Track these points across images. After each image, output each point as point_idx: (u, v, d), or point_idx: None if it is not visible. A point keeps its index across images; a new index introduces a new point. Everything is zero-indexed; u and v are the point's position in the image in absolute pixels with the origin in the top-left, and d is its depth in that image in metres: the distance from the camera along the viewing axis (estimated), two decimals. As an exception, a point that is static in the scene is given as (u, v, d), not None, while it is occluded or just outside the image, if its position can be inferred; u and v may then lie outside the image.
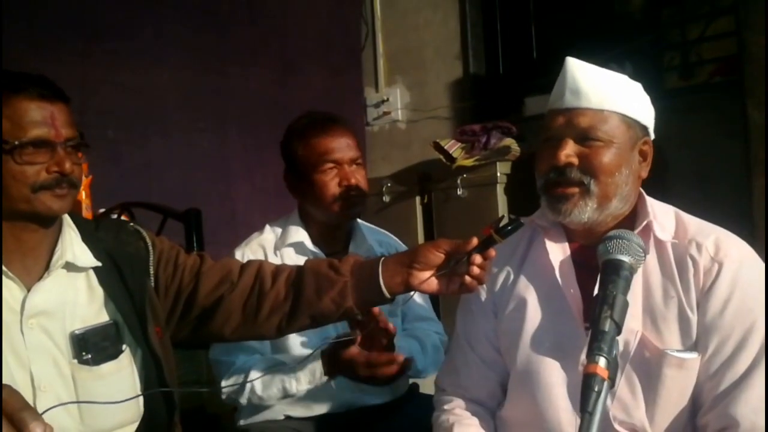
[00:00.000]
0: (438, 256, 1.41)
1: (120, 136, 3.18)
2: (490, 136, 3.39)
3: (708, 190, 3.03)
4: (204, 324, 1.52)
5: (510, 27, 3.94)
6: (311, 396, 1.90)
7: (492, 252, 1.40)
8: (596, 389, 1.05)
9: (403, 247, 2.22)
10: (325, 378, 1.86)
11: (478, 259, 1.39)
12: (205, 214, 2.75)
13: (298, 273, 1.51)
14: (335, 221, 2.03)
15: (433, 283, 1.43)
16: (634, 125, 1.45)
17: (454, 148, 3.48)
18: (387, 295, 1.44)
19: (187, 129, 3.43)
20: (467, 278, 1.40)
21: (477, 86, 3.94)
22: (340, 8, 4.13)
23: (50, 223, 1.38)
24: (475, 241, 1.39)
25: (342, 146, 1.98)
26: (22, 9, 2.85)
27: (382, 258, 1.46)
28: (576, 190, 1.43)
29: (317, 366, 1.85)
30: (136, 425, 1.42)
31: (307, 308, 1.48)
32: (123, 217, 2.71)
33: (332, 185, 1.96)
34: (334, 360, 1.83)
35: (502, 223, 1.39)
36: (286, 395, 1.88)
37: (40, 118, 1.32)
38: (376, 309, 1.73)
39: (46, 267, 1.38)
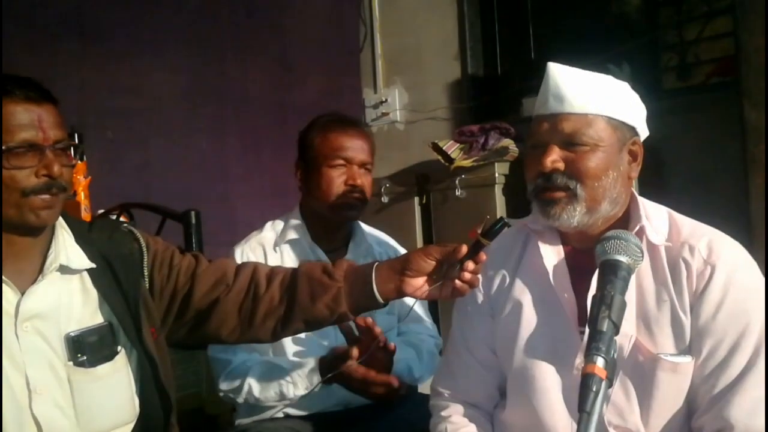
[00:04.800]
0: (429, 263, 1.42)
1: (119, 137, 3.18)
2: (489, 136, 3.40)
3: (705, 190, 3.04)
4: (200, 326, 1.52)
5: (508, 28, 3.95)
6: (309, 394, 1.91)
7: (483, 256, 1.40)
8: (594, 389, 1.05)
9: (401, 250, 2.23)
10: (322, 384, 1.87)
11: (470, 265, 1.39)
12: (204, 214, 2.75)
13: (292, 277, 1.51)
14: (333, 218, 2.04)
15: (425, 290, 1.44)
16: (620, 127, 1.44)
17: (452, 148, 3.48)
18: (381, 300, 1.45)
19: (186, 130, 3.43)
20: (458, 283, 1.40)
21: (475, 87, 3.94)
22: (339, 9, 4.14)
23: (38, 232, 1.37)
24: (464, 248, 1.39)
25: (356, 147, 2.03)
26: (20, 9, 2.85)
27: (376, 264, 1.47)
28: (563, 194, 1.42)
29: (315, 374, 1.86)
30: (131, 426, 1.42)
31: (301, 313, 1.48)
32: (122, 218, 2.71)
33: (338, 182, 2.00)
34: (330, 369, 1.84)
35: (487, 226, 1.39)
36: (283, 398, 1.89)
37: (27, 121, 1.30)
38: (378, 329, 1.76)
39: (40, 270, 1.37)
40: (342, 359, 1.81)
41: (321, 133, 2.05)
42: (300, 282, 1.48)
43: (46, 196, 1.32)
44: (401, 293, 1.44)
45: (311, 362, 1.89)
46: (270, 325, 1.50)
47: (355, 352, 1.78)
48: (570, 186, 1.42)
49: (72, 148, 1.42)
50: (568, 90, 1.42)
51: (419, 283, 1.43)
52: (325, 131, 2.05)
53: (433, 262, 1.42)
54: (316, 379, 1.86)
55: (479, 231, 1.39)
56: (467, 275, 1.39)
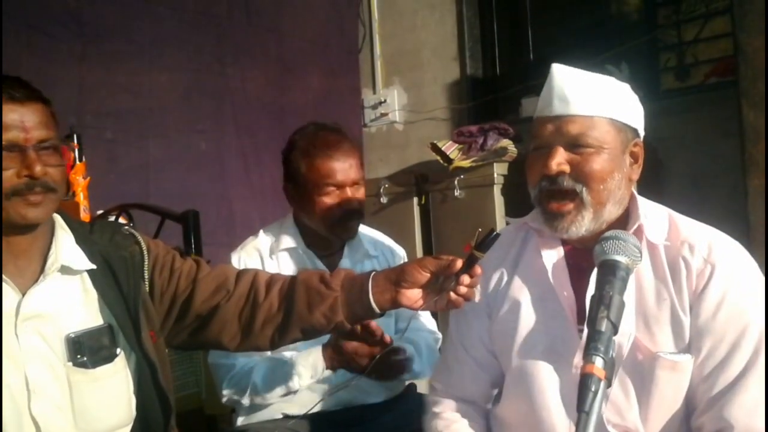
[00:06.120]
0: (424, 275, 1.42)
1: (118, 138, 3.18)
2: (487, 137, 3.41)
3: (703, 190, 3.05)
4: (201, 330, 1.52)
5: (506, 28, 3.96)
6: (309, 394, 1.91)
7: (478, 269, 1.40)
8: (593, 389, 1.05)
9: (397, 248, 2.23)
10: (327, 372, 1.87)
11: (466, 279, 1.39)
12: (203, 215, 2.75)
13: (290, 285, 1.51)
14: (332, 238, 2.04)
15: (421, 302, 1.44)
16: (624, 129, 1.44)
17: (451, 149, 3.49)
18: (377, 311, 1.45)
19: (185, 130, 3.43)
20: (453, 296, 1.41)
21: (474, 87, 3.95)
22: (338, 10, 4.14)
23: (29, 230, 1.36)
24: (459, 262, 1.39)
25: (345, 168, 1.98)
26: (20, 10, 2.85)
27: (372, 273, 1.47)
28: (570, 205, 1.42)
29: (318, 361, 1.87)
30: (128, 428, 1.42)
31: (299, 321, 1.48)
32: (121, 219, 2.71)
33: (332, 206, 1.97)
34: (335, 352, 1.85)
35: (479, 238, 1.38)
36: (289, 392, 1.89)
37: (9, 121, 1.28)
38: (374, 324, 1.77)
39: (41, 270, 1.37)
40: (345, 338, 1.82)
41: (306, 158, 1.99)
42: (298, 290, 1.49)
43: (29, 197, 1.30)
44: (397, 304, 1.44)
45: (314, 351, 1.89)
46: (268, 332, 1.50)
47: (358, 328, 1.79)
48: (577, 189, 1.41)
49: (65, 148, 1.41)
50: (572, 92, 1.41)
51: (415, 294, 1.44)
52: (309, 157, 1.98)
53: (428, 275, 1.42)
54: (320, 365, 1.87)
55: (473, 245, 1.39)
56: (462, 289, 1.40)
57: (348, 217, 1.98)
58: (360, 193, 2.02)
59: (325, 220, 1.98)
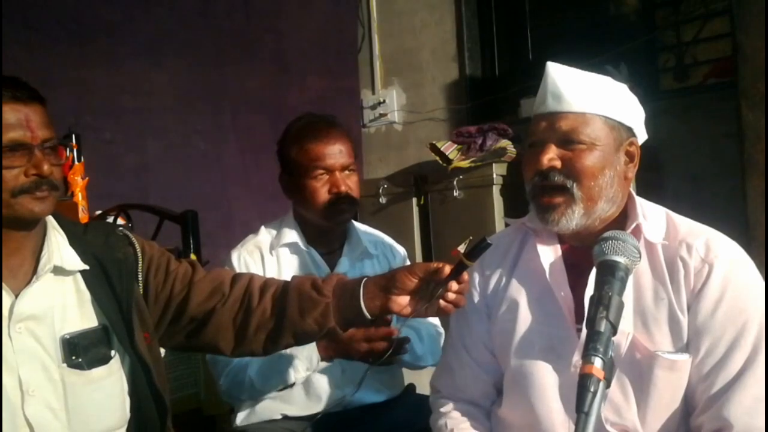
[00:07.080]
0: (413, 282, 1.42)
1: (117, 138, 3.19)
2: (486, 137, 3.41)
3: (702, 191, 3.05)
4: (197, 334, 1.52)
5: (506, 29, 3.96)
6: (308, 395, 1.91)
7: (466, 276, 1.41)
8: (592, 389, 1.05)
9: (397, 247, 2.23)
10: (323, 363, 1.86)
11: (454, 286, 1.40)
12: (202, 215, 2.76)
13: (282, 291, 1.51)
14: (325, 226, 2.04)
15: (409, 308, 1.45)
16: (617, 127, 1.45)
17: (450, 149, 3.49)
18: (368, 317, 1.45)
19: (184, 131, 3.44)
20: (443, 303, 1.41)
21: (473, 88, 3.94)
22: (337, 10, 4.14)
23: (32, 225, 1.37)
24: (447, 269, 1.40)
25: (334, 152, 1.99)
26: (18, 10, 2.85)
27: (364, 279, 1.48)
28: (560, 199, 1.43)
29: (313, 353, 1.87)
30: (124, 429, 1.42)
31: (291, 327, 1.48)
32: (120, 219, 2.71)
33: (322, 192, 1.98)
34: (331, 342, 1.84)
35: (469, 246, 1.39)
36: (285, 386, 1.89)
37: (15, 120, 1.29)
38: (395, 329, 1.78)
39: (33, 271, 1.37)
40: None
41: (296, 143, 2.00)
42: (290, 296, 1.49)
43: (36, 194, 1.32)
44: (387, 310, 1.45)
45: (308, 344, 1.88)
46: (261, 337, 1.51)
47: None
48: (567, 185, 1.42)
49: (61, 147, 1.41)
50: (566, 89, 1.43)
51: (404, 301, 1.44)
52: (300, 142, 2.00)
53: (417, 281, 1.42)
54: (315, 357, 1.86)
55: (462, 251, 1.39)
56: (451, 295, 1.40)
57: (339, 201, 1.98)
58: (352, 180, 2.02)
59: (316, 205, 1.98)
